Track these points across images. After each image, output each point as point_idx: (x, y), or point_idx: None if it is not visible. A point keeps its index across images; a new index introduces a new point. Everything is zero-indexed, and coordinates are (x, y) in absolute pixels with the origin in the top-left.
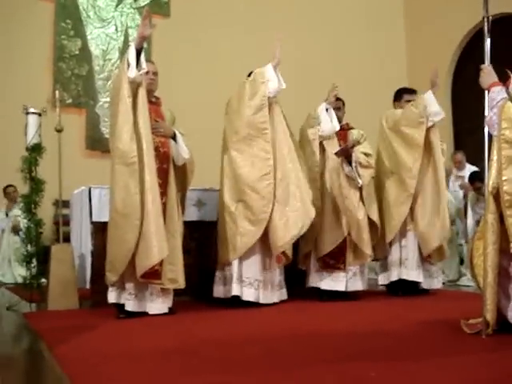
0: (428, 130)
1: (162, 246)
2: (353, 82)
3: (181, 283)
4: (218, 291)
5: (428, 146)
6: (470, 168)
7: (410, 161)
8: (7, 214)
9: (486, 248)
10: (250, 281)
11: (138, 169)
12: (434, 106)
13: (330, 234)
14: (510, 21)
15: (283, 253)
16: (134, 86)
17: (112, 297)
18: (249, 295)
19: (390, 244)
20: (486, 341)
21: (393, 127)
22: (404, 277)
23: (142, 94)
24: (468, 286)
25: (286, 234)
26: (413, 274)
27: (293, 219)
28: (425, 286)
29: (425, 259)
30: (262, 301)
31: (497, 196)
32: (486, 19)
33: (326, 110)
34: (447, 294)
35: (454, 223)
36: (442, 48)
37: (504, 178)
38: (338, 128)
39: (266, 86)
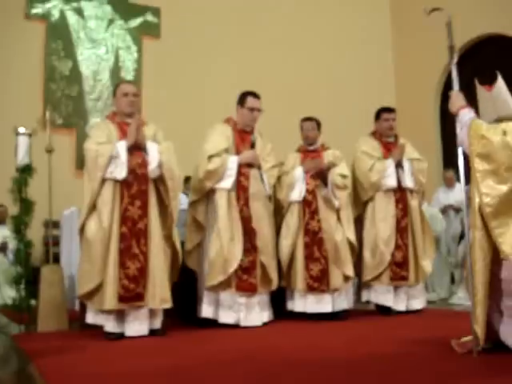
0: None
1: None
2: (341, 103)
3: (168, 303)
4: (199, 311)
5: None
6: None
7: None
8: None
9: (474, 265)
10: (228, 304)
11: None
12: (391, 180)
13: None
14: (496, 41)
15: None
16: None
17: (90, 317)
18: (227, 318)
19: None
20: (478, 361)
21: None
22: (374, 300)
23: None
24: (459, 304)
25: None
26: (382, 297)
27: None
28: (403, 307)
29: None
30: (243, 323)
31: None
32: (450, 48)
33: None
34: (437, 313)
35: (439, 241)
36: (430, 68)
37: (483, 191)
38: (300, 199)
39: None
